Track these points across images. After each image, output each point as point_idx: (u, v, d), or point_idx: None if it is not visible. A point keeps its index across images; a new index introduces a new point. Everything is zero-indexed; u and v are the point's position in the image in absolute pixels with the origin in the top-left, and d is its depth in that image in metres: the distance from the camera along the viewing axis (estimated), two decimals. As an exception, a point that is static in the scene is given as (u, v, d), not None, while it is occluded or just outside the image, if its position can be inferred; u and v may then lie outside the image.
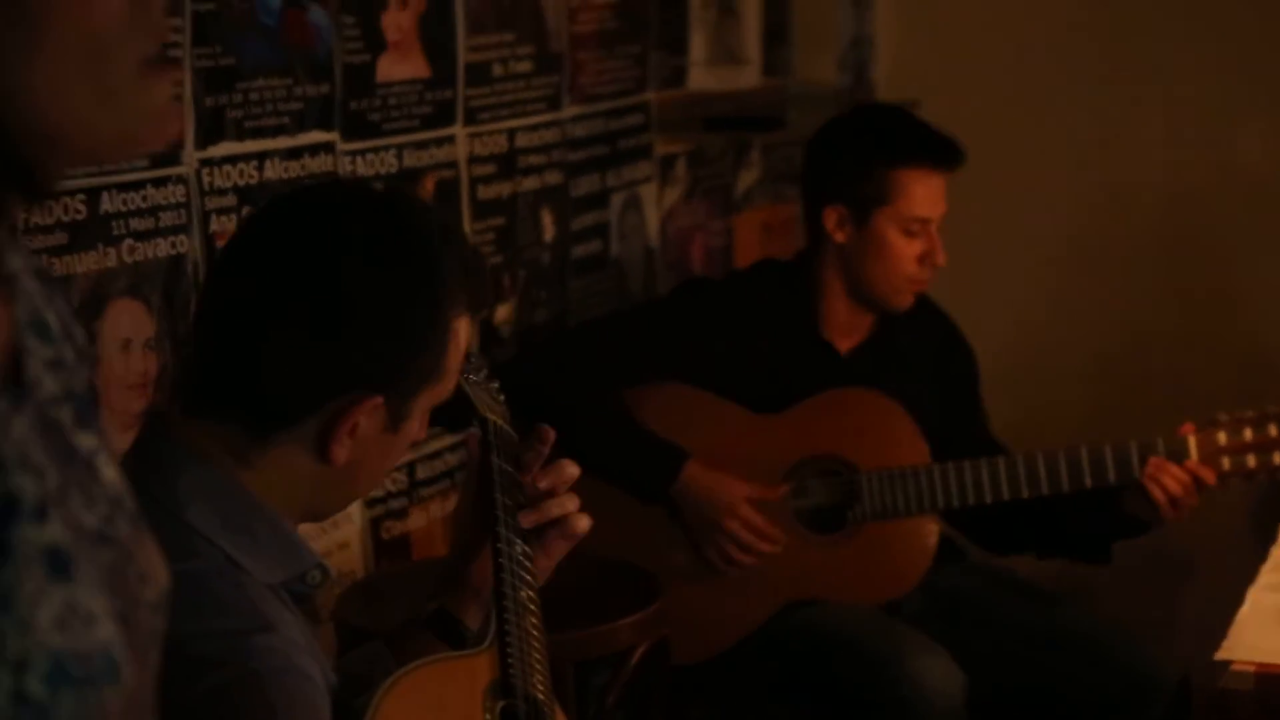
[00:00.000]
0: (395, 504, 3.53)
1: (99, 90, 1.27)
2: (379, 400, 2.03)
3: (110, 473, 1.40)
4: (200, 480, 2.01)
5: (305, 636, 2.05)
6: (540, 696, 2.26)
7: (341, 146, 3.36)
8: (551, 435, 2.42)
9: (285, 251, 2.07)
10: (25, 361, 1.34)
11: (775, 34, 4.67)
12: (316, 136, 3.29)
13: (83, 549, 1.29)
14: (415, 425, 2.13)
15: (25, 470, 1.25)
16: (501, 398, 2.57)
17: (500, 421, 2.42)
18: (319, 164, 3.27)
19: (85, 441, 1.38)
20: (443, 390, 2.13)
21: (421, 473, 3.58)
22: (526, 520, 2.32)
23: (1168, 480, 3.55)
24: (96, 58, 1.27)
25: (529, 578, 2.30)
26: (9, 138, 1.24)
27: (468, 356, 2.41)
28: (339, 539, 3.41)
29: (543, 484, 2.36)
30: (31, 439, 1.28)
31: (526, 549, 2.31)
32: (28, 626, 1.22)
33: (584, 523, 2.39)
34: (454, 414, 2.40)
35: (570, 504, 2.37)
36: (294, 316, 2.02)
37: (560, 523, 2.37)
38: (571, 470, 2.39)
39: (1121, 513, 3.69)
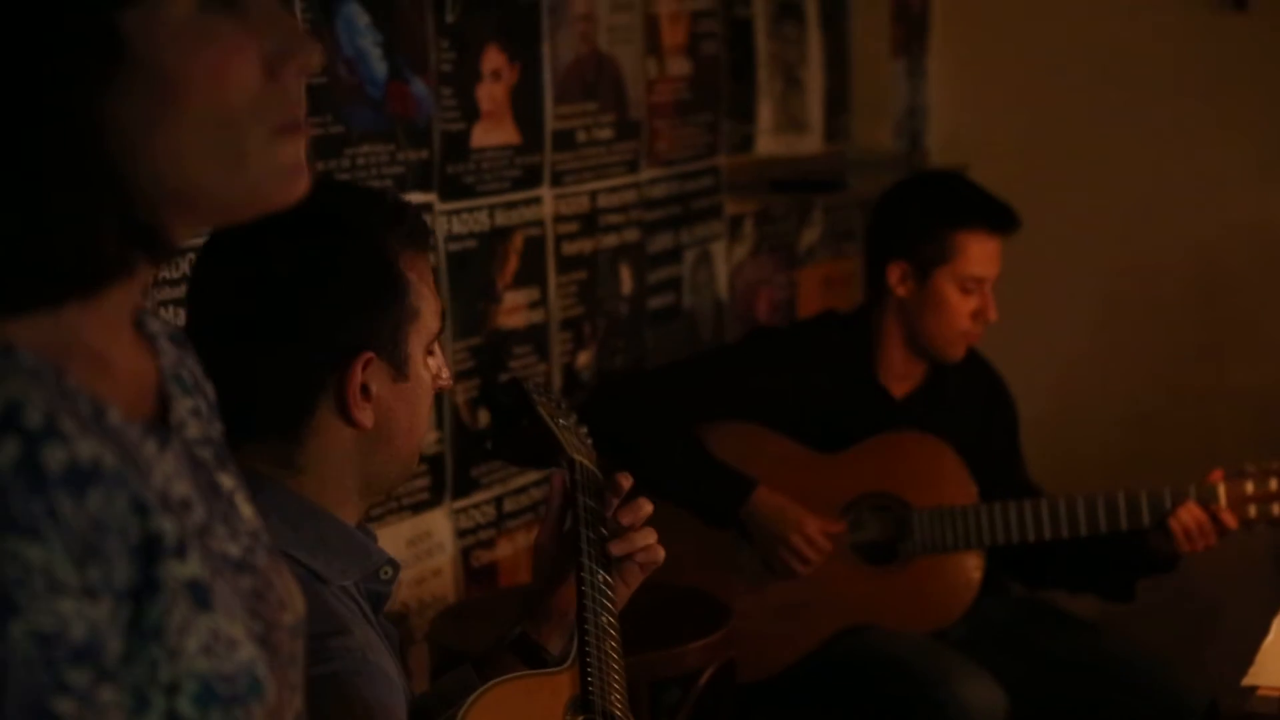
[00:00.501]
0: (484, 534, 3.48)
1: (231, 156, 1.27)
2: (369, 356, 2.00)
3: (248, 510, 1.43)
4: (266, 500, 1.90)
5: (379, 638, 2.04)
6: (618, 714, 2.22)
7: (439, 206, 3.32)
8: (630, 479, 2.37)
9: (222, 274, 2.07)
10: (172, 406, 1.37)
11: (836, 103, 4.62)
12: (416, 197, 3.25)
13: (222, 579, 1.31)
14: (422, 368, 2.09)
15: (166, 511, 1.26)
16: (589, 441, 2.54)
17: (587, 462, 2.38)
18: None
19: (226, 481, 1.42)
20: (428, 328, 2.08)
21: (508, 506, 3.53)
22: (615, 549, 2.30)
23: (1186, 517, 3.51)
24: (230, 126, 1.27)
25: (609, 604, 2.26)
26: (142, 203, 1.25)
27: (558, 404, 2.49)
28: (432, 566, 3.36)
29: (625, 520, 2.31)
30: (179, 474, 1.32)
31: (608, 578, 2.28)
32: (177, 654, 1.23)
33: (660, 553, 2.34)
34: (543, 453, 2.41)
35: (650, 537, 2.32)
36: (257, 327, 2.02)
37: (640, 553, 2.32)
38: (648, 508, 2.35)
39: (1146, 551, 3.63)
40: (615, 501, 2.36)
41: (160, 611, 1.23)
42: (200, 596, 1.27)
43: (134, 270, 1.30)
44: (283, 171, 1.31)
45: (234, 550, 1.37)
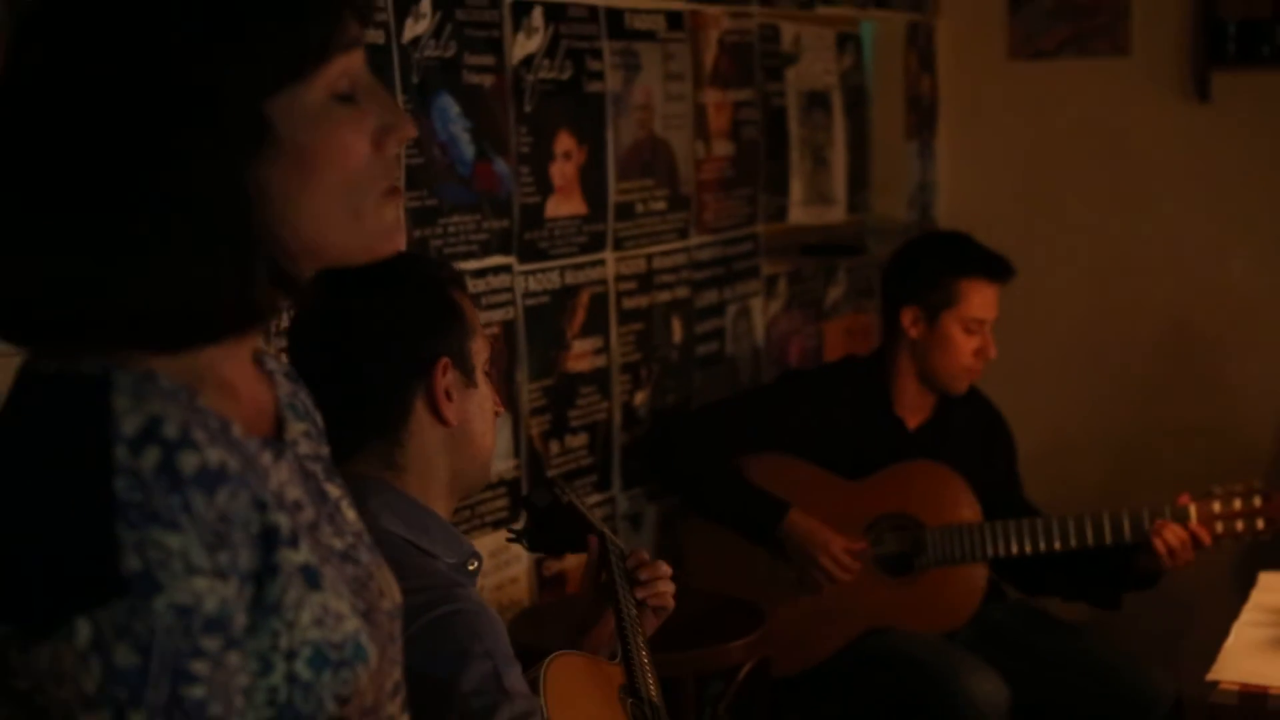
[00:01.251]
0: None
1: (351, 215, 1.35)
2: (446, 361, 2.11)
3: (351, 514, 1.50)
4: (381, 499, 2.08)
5: (480, 596, 2.11)
6: (657, 701, 2.34)
7: (517, 268, 3.31)
8: (646, 553, 2.54)
9: (321, 313, 2.15)
10: (286, 427, 1.44)
11: (857, 179, 4.60)
12: (498, 260, 3.25)
13: (330, 565, 1.36)
14: (483, 381, 2.18)
15: (281, 509, 1.31)
16: (600, 515, 2.86)
17: (609, 533, 2.52)
18: (500, 281, 3.24)
19: (333, 490, 1.48)
20: (482, 340, 2.19)
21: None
22: (640, 593, 2.45)
23: (1169, 536, 3.51)
24: (350, 191, 1.34)
25: (640, 630, 2.41)
26: (285, 256, 1.33)
27: (578, 495, 2.69)
28: (510, 575, 3.35)
29: (644, 575, 2.48)
30: (292, 481, 1.38)
31: (636, 611, 2.44)
32: (294, 626, 1.29)
33: (670, 599, 2.51)
34: (573, 537, 2.57)
35: (667, 587, 2.49)
36: (357, 350, 2.12)
37: (654, 598, 2.48)
38: (665, 568, 2.52)
39: (1134, 569, 3.63)
40: (641, 559, 2.50)
41: (278, 591, 1.28)
42: (311, 578, 1.31)
43: (275, 311, 1.39)
44: (389, 228, 1.38)
45: (339, 544, 1.42)
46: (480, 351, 2.17)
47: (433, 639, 1.94)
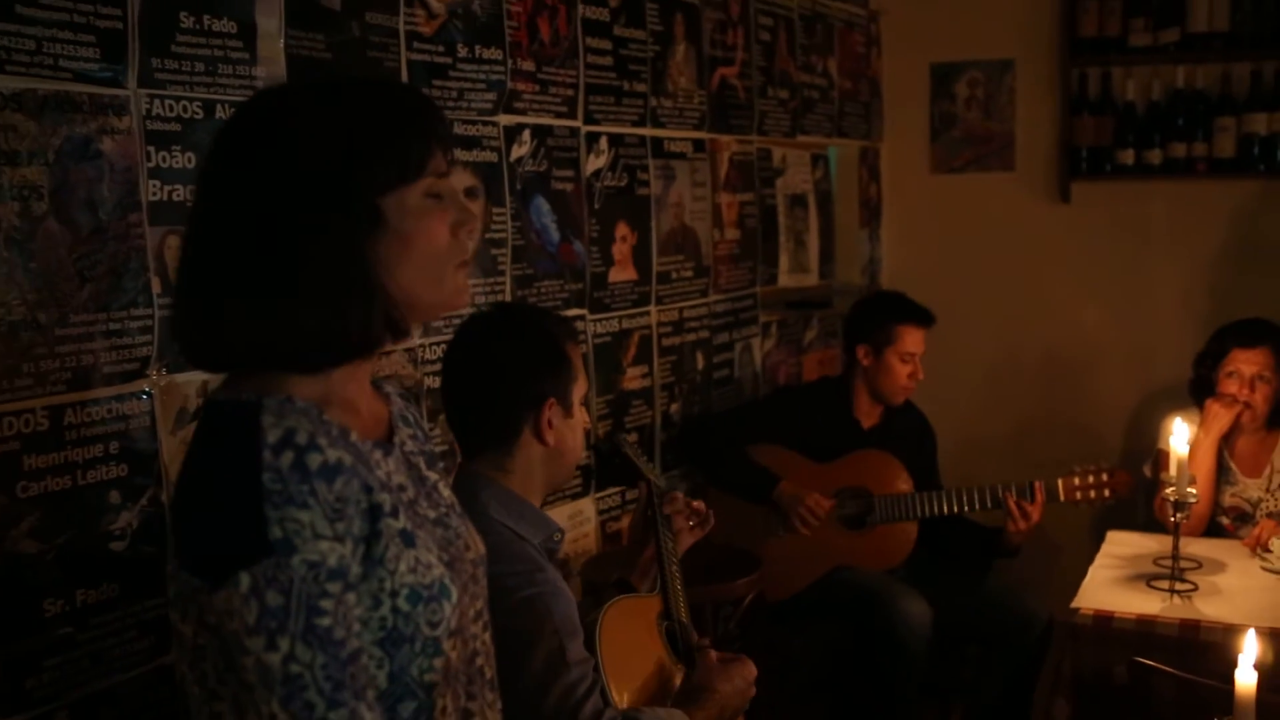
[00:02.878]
0: (613, 513, 3.41)
1: (435, 279, 1.36)
2: (552, 400, 2.06)
3: (447, 492, 1.50)
4: (491, 492, 2.04)
5: (557, 574, 2.04)
6: (685, 621, 2.27)
7: (589, 317, 3.28)
8: (681, 496, 2.49)
9: (467, 353, 2.11)
10: (396, 433, 1.45)
11: (826, 255, 4.56)
12: (575, 311, 3.22)
13: (423, 529, 1.36)
14: (579, 411, 2.12)
15: (385, 491, 1.33)
16: (653, 465, 2.81)
17: (656, 480, 2.46)
18: (578, 327, 3.20)
19: (431, 475, 1.48)
20: (582, 383, 2.12)
21: (628, 496, 3.44)
22: (668, 509, 2.41)
23: (1016, 501, 3.52)
24: (436, 264, 1.36)
25: (675, 559, 2.35)
26: (391, 306, 1.33)
27: (635, 447, 2.62)
28: (583, 531, 3.30)
29: (668, 508, 2.44)
30: (399, 470, 1.39)
31: (673, 543, 2.37)
32: (394, 573, 1.30)
33: (702, 508, 2.48)
34: (626, 476, 2.56)
35: (687, 509, 2.46)
36: (490, 384, 2.06)
37: (697, 517, 2.46)
38: (698, 503, 2.48)
39: (998, 545, 3.65)
40: (674, 497, 2.45)
41: (382, 548, 1.30)
42: (408, 539, 1.32)
43: (383, 344, 1.37)
44: (460, 289, 1.39)
45: (433, 514, 1.42)
46: (579, 390, 2.11)
47: (519, 615, 1.90)
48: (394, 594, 1.30)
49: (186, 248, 1.34)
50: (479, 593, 1.47)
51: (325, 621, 1.22)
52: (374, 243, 1.31)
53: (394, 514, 1.32)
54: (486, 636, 1.49)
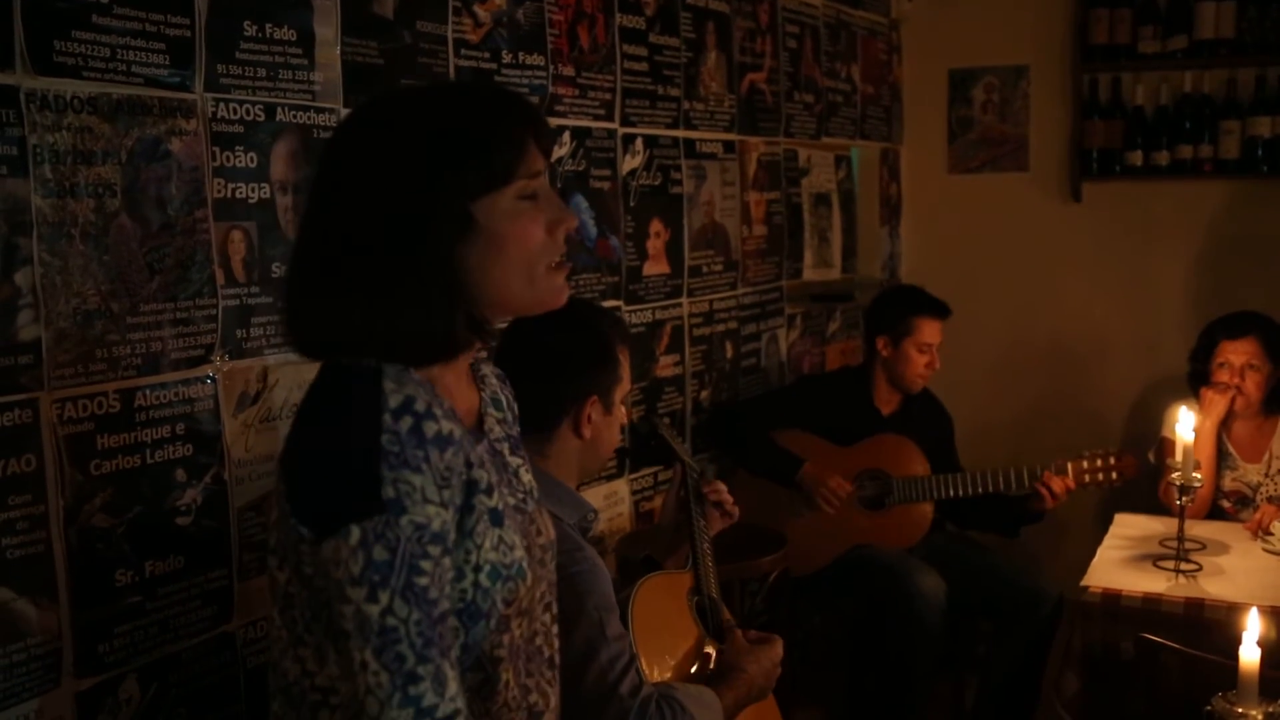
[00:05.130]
0: (646, 493, 3.39)
1: (528, 281, 1.33)
2: (595, 398, 2.03)
3: (527, 477, 1.47)
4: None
5: (594, 552, 2.03)
6: (715, 597, 2.25)
7: (625, 309, 3.26)
8: (723, 486, 2.45)
9: (525, 346, 2.04)
10: (485, 420, 1.43)
11: (848, 251, 4.52)
12: (611, 303, 3.21)
13: (508, 512, 1.35)
14: (618, 409, 2.08)
15: (482, 468, 1.32)
16: (688, 448, 2.71)
17: (690, 462, 2.42)
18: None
19: (513, 460, 1.46)
20: (625, 385, 2.08)
21: (661, 478, 3.43)
22: (706, 489, 2.38)
23: (1051, 483, 3.47)
24: (528, 265, 1.30)
25: (708, 538, 2.32)
26: (479, 307, 1.31)
27: (671, 430, 2.58)
28: (618, 511, 3.29)
29: (707, 489, 2.41)
30: (486, 457, 1.36)
31: (706, 523, 2.34)
32: (480, 548, 1.29)
33: (732, 506, 2.42)
34: (668, 456, 2.56)
35: (726, 495, 2.41)
36: (540, 376, 1.99)
37: (722, 508, 2.41)
38: (724, 487, 2.43)
39: (1027, 509, 3.57)
40: (720, 491, 2.42)
41: (473, 523, 1.29)
42: (495, 518, 1.32)
43: (472, 345, 1.36)
44: (555, 290, 1.36)
45: (512, 500, 1.40)
46: (622, 390, 2.08)
47: (562, 593, 1.90)
48: (477, 569, 1.30)
49: (296, 246, 1.35)
50: (545, 576, 1.46)
51: (423, 581, 1.22)
52: (466, 247, 1.29)
53: (488, 492, 1.32)
54: (548, 618, 1.48)
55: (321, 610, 1.25)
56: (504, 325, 2.07)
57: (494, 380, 1.51)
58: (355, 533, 1.19)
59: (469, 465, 1.29)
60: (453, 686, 1.23)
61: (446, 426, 1.27)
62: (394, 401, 1.25)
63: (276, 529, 1.29)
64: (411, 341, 1.29)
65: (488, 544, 1.30)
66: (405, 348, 1.30)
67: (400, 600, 1.20)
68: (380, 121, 1.32)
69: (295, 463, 1.28)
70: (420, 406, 1.25)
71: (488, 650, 1.33)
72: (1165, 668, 2.45)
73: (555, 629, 1.50)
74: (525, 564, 1.35)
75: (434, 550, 1.23)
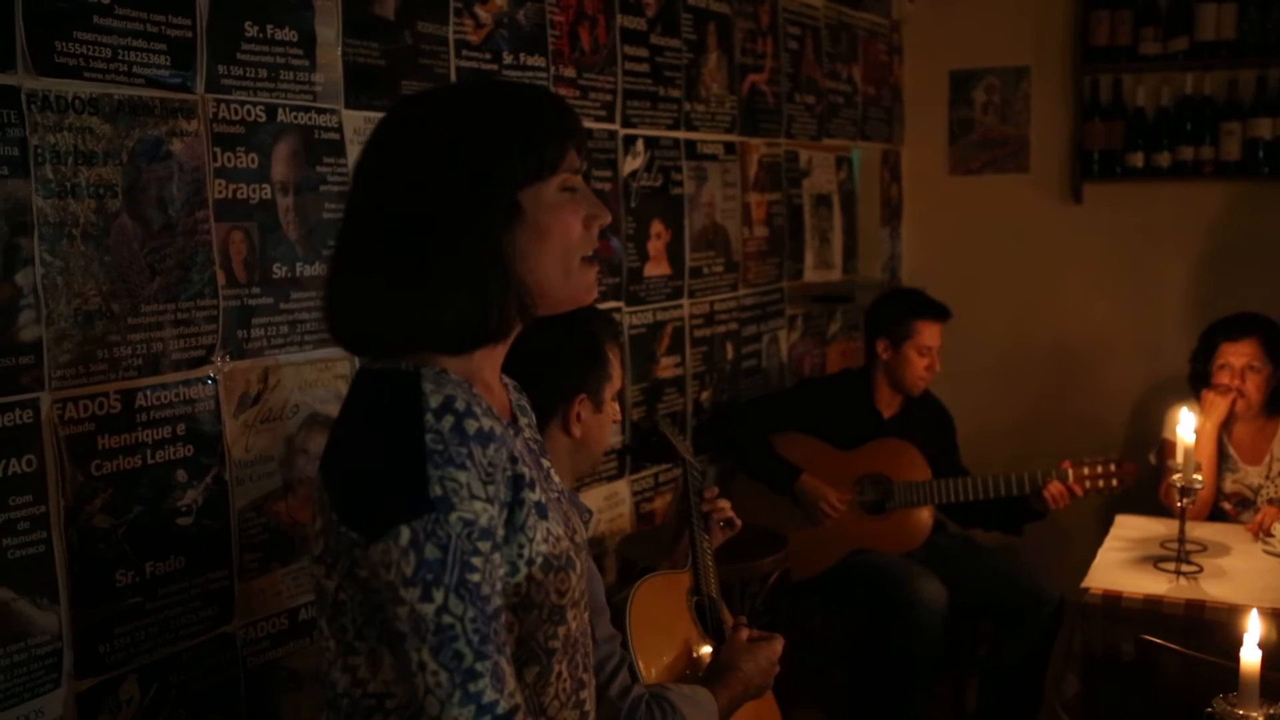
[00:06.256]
0: (646, 494, 3.39)
1: (565, 272, 1.35)
2: (584, 396, 2.01)
3: (557, 478, 1.48)
4: None
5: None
6: (715, 596, 2.25)
7: (625, 309, 3.26)
8: (715, 489, 2.42)
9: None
10: (518, 418, 1.46)
11: (849, 252, 4.53)
12: (613, 304, 3.21)
13: (550, 506, 1.36)
14: (609, 407, 2.06)
15: (524, 463, 1.32)
16: (689, 445, 2.60)
17: (691, 459, 2.40)
18: (616, 320, 3.19)
19: (545, 462, 1.48)
20: (615, 383, 2.06)
21: (662, 479, 3.43)
22: (706, 508, 2.34)
23: (1053, 488, 3.46)
24: (567, 255, 1.34)
25: (707, 541, 2.31)
26: (524, 294, 1.33)
27: (674, 430, 2.54)
28: (619, 512, 3.29)
29: (708, 497, 2.37)
30: (524, 452, 1.36)
31: (706, 530, 2.32)
32: (531, 541, 1.31)
33: (737, 521, 2.38)
34: (663, 456, 2.55)
35: (725, 506, 2.37)
36: (529, 375, 1.92)
37: (719, 515, 2.36)
38: (728, 504, 2.39)
39: (1030, 509, 3.57)
40: (711, 488, 2.40)
41: (522, 517, 1.30)
42: (542, 511, 1.33)
43: (515, 331, 1.37)
44: (588, 285, 1.38)
45: (545, 497, 1.39)
46: (612, 388, 2.07)
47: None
48: (530, 561, 1.31)
49: (341, 237, 1.36)
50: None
51: (476, 577, 1.22)
52: (512, 234, 1.31)
53: (532, 486, 1.33)
54: (586, 616, 1.49)
55: (374, 614, 1.26)
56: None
57: (514, 392, 1.52)
58: (405, 533, 1.20)
59: (513, 460, 1.30)
60: (510, 682, 1.24)
61: (487, 423, 1.28)
62: (434, 401, 1.26)
63: (321, 537, 1.29)
64: (461, 326, 1.31)
65: (538, 536, 1.31)
66: (455, 333, 1.31)
67: (455, 597, 1.21)
68: (427, 114, 1.34)
69: (339, 469, 1.29)
70: (460, 405, 1.26)
71: (543, 642, 1.34)
72: (1166, 669, 2.45)
73: (589, 627, 1.51)
74: (573, 554, 1.37)
75: (484, 546, 1.24)
